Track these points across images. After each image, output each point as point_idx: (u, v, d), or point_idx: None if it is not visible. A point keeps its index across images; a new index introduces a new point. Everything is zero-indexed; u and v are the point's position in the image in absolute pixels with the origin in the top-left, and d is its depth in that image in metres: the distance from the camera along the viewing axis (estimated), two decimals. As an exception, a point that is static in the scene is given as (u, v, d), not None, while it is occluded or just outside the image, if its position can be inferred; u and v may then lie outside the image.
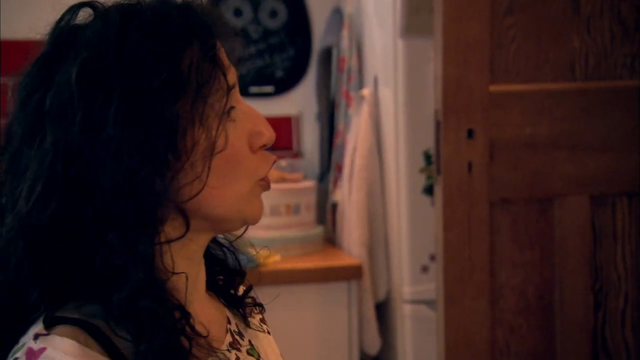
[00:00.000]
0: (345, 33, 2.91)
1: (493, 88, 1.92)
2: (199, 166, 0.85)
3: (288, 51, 3.26)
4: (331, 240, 2.97)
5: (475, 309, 1.92)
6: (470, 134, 1.90)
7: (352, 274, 2.70)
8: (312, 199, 2.92)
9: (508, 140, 1.93)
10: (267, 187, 0.93)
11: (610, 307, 2.00)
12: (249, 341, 1.00)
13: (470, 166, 1.91)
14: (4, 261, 0.84)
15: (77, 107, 0.82)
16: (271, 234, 2.73)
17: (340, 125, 2.97)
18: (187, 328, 0.86)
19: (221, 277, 1.02)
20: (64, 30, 0.87)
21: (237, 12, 3.24)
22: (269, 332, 1.07)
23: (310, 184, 2.95)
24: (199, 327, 0.88)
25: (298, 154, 3.25)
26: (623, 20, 1.97)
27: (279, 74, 3.25)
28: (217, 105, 0.87)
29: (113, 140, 0.81)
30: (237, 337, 0.99)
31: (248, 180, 0.90)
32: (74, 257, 0.83)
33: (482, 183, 1.91)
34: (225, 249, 1.02)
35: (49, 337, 0.81)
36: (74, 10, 0.88)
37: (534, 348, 1.97)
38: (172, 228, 0.87)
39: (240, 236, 1.01)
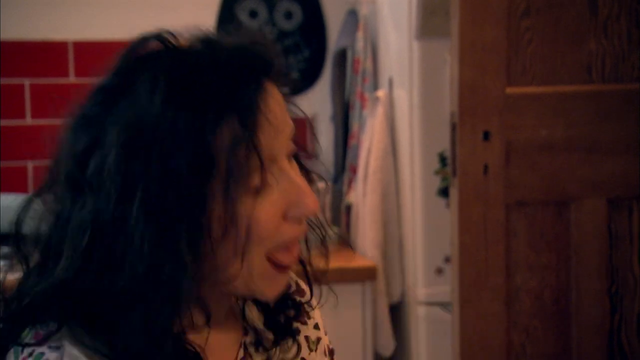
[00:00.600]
0: (360, 35, 2.91)
1: (509, 90, 1.92)
2: (232, 245, 0.83)
3: (303, 52, 3.27)
4: (345, 241, 2.97)
5: (491, 311, 1.92)
6: (487, 136, 1.90)
7: (366, 275, 2.70)
8: (326, 200, 2.92)
9: (524, 142, 1.92)
10: (283, 268, 0.88)
11: (627, 310, 1.99)
12: (267, 354, 0.99)
13: (486, 168, 1.91)
14: (30, 307, 0.84)
15: (114, 182, 0.81)
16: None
17: (354, 126, 2.97)
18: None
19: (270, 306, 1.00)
20: (126, 65, 0.85)
21: (253, 14, 3.24)
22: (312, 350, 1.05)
23: (324, 185, 2.95)
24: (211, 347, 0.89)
25: (312, 155, 3.24)
26: (640, 22, 1.97)
27: (294, 75, 3.26)
28: (247, 185, 0.84)
29: (138, 226, 0.80)
30: (252, 350, 0.97)
31: (260, 254, 0.86)
32: (96, 325, 0.83)
33: (498, 185, 1.91)
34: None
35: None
36: (142, 41, 0.86)
37: (550, 351, 1.97)
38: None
39: (320, 277, 1.02)
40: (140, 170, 0.80)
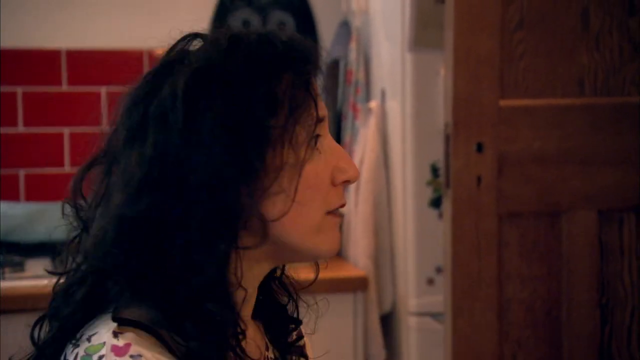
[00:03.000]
0: (353, 46, 2.93)
1: (503, 103, 1.93)
2: (286, 185, 0.89)
3: (295, 63, 3.28)
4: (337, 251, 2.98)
5: (482, 322, 1.93)
6: (480, 148, 1.91)
7: (357, 285, 2.70)
8: (318, 210, 2.93)
9: (517, 154, 1.94)
10: (338, 219, 0.95)
11: (617, 322, 2.01)
12: None
13: (479, 180, 1.92)
14: (97, 247, 0.88)
15: (180, 112, 0.87)
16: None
17: (347, 137, 2.98)
18: (239, 346, 0.88)
19: (272, 315, 1.03)
20: (174, 53, 0.93)
21: (246, 24, 3.25)
22: None
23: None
24: (247, 348, 0.90)
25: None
26: (632, 37, 1.99)
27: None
28: (306, 131, 0.91)
29: (207, 146, 0.86)
30: None
31: (321, 210, 0.92)
32: (156, 253, 0.86)
33: (491, 197, 1.92)
34: (288, 295, 1.04)
35: (128, 335, 0.84)
36: (187, 39, 0.94)
37: (541, 362, 1.98)
38: (250, 241, 0.90)
39: (310, 283, 1.05)
40: (206, 103, 0.87)
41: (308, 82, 0.92)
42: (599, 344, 2.00)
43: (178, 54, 0.93)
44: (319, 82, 0.96)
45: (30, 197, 2.87)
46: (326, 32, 3.23)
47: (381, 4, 2.83)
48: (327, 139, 0.95)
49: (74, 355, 0.84)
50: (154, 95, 0.90)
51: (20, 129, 2.87)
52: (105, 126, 0.95)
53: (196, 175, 0.86)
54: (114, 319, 0.85)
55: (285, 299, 1.04)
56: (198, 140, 0.86)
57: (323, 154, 0.93)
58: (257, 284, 0.96)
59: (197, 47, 0.94)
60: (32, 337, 0.92)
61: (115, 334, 0.84)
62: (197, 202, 0.86)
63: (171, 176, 0.87)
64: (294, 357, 1.04)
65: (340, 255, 2.95)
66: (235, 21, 3.24)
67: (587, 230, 1.98)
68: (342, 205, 0.95)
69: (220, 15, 3.23)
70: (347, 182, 0.95)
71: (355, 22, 2.95)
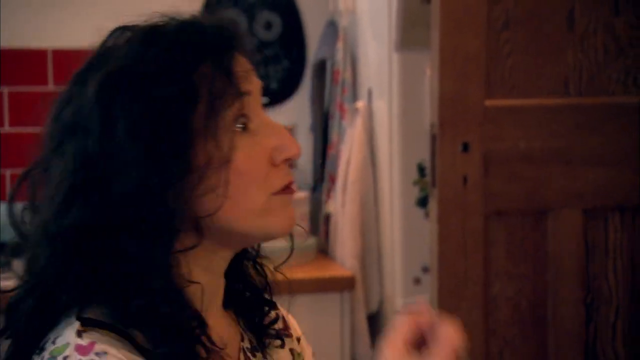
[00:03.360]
0: (340, 46, 2.93)
1: (489, 102, 1.94)
2: (215, 180, 0.86)
3: (282, 63, 3.28)
4: (324, 251, 2.98)
5: (469, 320, 1.93)
6: (466, 147, 1.92)
7: (344, 285, 2.71)
8: (305, 209, 2.93)
9: (503, 154, 1.95)
10: (290, 194, 0.92)
11: (602, 320, 2.02)
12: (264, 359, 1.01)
13: (465, 179, 1.93)
14: (32, 264, 0.88)
15: (95, 120, 0.85)
16: (264, 244, 2.74)
17: (334, 136, 2.99)
18: (204, 337, 0.87)
19: (248, 299, 1.02)
20: (98, 52, 0.91)
21: (233, 24, 3.25)
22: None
23: (303, 194, 2.96)
24: (215, 339, 0.89)
25: (292, 165, 3.26)
26: (617, 36, 2.00)
27: (274, 85, 3.27)
28: (230, 117, 0.88)
29: (125, 151, 0.84)
30: (249, 354, 0.99)
31: (263, 194, 0.90)
32: (95, 264, 0.85)
33: (477, 196, 1.93)
34: (262, 277, 1.03)
35: (92, 333, 0.83)
36: (116, 33, 0.91)
37: (527, 359, 1.99)
38: (190, 239, 0.88)
39: (280, 265, 1.03)
40: (121, 108, 0.85)
41: (229, 67, 0.88)
42: (584, 342, 2.01)
43: (100, 53, 0.90)
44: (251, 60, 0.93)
45: (16, 198, 2.86)
46: (313, 32, 3.24)
47: (368, 3, 2.84)
48: (259, 118, 0.91)
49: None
50: (71, 98, 0.88)
51: (6, 128, 2.87)
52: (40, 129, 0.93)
53: (119, 184, 0.84)
54: (78, 318, 0.84)
55: (262, 281, 1.03)
56: (116, 147, 0.84)
57: (257, 136, 0.90)
58: (221, 273, 0.95)
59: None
60: None
61: (79, 333, 0.83)
62: (124, 211, 0.84)
63: (95, 186, 0.85)
64: (270, 341, 1.03)
65: (327, 254, 2.96)
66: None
67: (573, 229, 1.99)
68: (289, 184, 0.92)
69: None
70: (288, 160, 0.92)
71: (342, 22, 2.96)
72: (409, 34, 2.56)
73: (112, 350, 0.81)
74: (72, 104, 0.88)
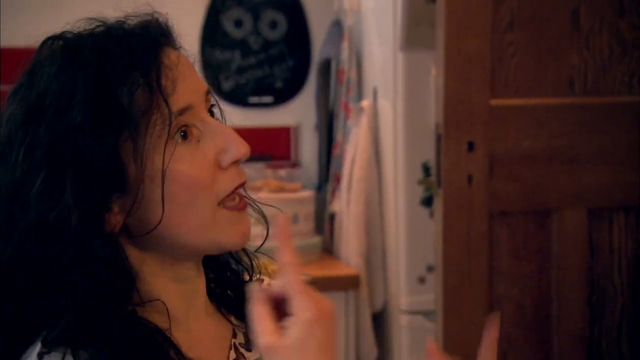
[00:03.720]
0: (345, 45, 2.94)
1: (493, 102, 1.94)
2: (156, 197, 0.84)
3: (287, 62, 3.29)
4: (329, 250, 2.99)
5: (473, 320, 1.94)
6: (471, 147, 1.92)
7: (349, 284, 2.71)
8: (310, 208, 2.94)
9: (507, 153, 1.95)
10: (239, 210, 0.89)
11: (607, 320, 2.02)
12: (257, 358, 0.98)
13: (470, 179, 1.93)
14: None
15: (14, 149, 0.83)
16: (269, 244, 2.74)
17: (339, 136, 2.99)
18: (172, 352, 0.86)
19: (231, 290, 0.99)
20: (29, 67, 0.88)
21: (238, 23, 3.26)
22: None
23: (308, 193, 2.97)
24: (194, 349, 0.88)
25: (296, 164, 3.27)
26: (622, 37, 2.00)
27: (279, 84, 3.28)
28: (160, 133, 0.84)
29: (35, 184, 0.81)
30: (243, 351, 0.97)
31: (208, 204, 0.86)
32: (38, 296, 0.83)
33: (481, 196, 1.93)
34: (242, 265, 1.00)
35: (53, 355, 0.81)
36: (45, 44, 0.88)
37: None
38: (137, 252, 0.87)
39: (259, 247, 1.01)
40: (38, 136, 0.82)
41: (157, 80, 0.84)
42: (589, 342, 2.01)
43: (29, 70, 0.87)
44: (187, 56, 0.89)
45: None
46: (318, 31, 3.24)
47: (373, 3, 2.84)
48: (202, 122, 0.87)
49: None
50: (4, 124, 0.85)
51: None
52: None
53: (31, 217, 0.81)
54: (43, 341, 0.83)
55: (238, 268, 1.01)
56: (27, 178, 0.82)
57: (200, 141, 0.86)
58: (193, 278, 0.92)
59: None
60: None
61: (40, 356, 0.82)
62: (45, 243, 0.82)
63: (12, 219, 0.82)
64: None
65: (332, 253, 2.96)
66: (227, 20, 3.24)
67: (577, 228, 2.00)
68: (239, 186, 0.88)
69: (212, 16, 3.24)
70: (237, 162, 0.88)
71: (347, 22, 2.96)
72: (413, 33, 2.57)
73: None
74: (3, 127, 0.85)
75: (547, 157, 1.97)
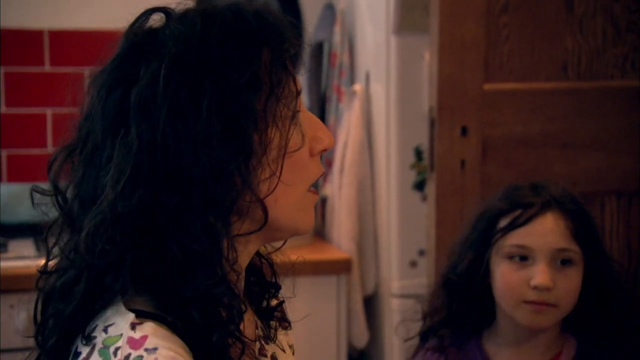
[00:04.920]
0: (337, 29, 2.92)
1: (487, 86, 1.94)
2: (273, 164, 0.89)
3: (280, 45, 3.27)
4: (320, 234, 2.99)
5: (466, 304, 1.94)
6: (464, 131, 1.92)
7: (341, 267, 2.71)
8: (302, 192, 2.93)
9: (501, 138, 1.95)
10: (317, 197, 0.96)
11: (598, 304, 2.03)
12: (272, 354, 1.01)
13: (463, 163, 1.93)
14: (90, 245, 0.86)
15: (164, 99, 0.85)
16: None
17: (331, 119, 2.98)
18: (239, 326, 0.88)
19: (256, 288, 1.03)
20: (139, 32, 0.90)
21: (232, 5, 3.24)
22: (293, 353, 1.08)
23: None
24: (245, 330, 0.91)
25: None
26: (615, 21, 2.00)
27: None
28: (287, 107, 0.90)
29: (196, 134, 0.85)
30: (263, 343, 1.00)
31: (304, 184, 0.93)
32: (155, 245, 0.85)
33: (474, 180, 1.94)
34: (264, 260, 1.03)
35: (146, 327, 0.83)
36: (147, 14, 0.91)
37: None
38: (244, 225, 0.90)
39: (280, 248, 1.03)
40: (190, 89, 0.85)
41: (285, 57, 0.90)
42: (580, 326, 2.02)
43: (146, 35, 0.90)
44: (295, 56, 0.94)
45: (12, 179, 2.85)
46: (310, 14, 3.22)
47: (366, -14, 2.83)
48: (302, 111, 0.94)
49: (90, 347, 0.83)
50: (129, 81, 0.87)
51: (2, 109, 2.86)
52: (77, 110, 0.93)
53: (187, 164, 0.85)
54: (132, 310, 0.84)
55: (261, 265, 1.03)
56: (185, 128, 0.85)
57: (301, 127, 0.92)
58: (246, 263, 0.96)
59: (158, 23, 0.91)
60: (35, 338, 0.90)
61: (133, 326, 0.83)
62: (191, 192, 0.85)
63: (161, 167, 0.85)
64: (275, 323, 1.03)
65: (323, 237, 2.96)
66: (220, 3, 3.22)
67: (570, 213, 2.00)
68: (321, 175, 0.95)
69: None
70: (324, 151, 0.95)
71: (340, 5, 2.95)
72: (406, 17, 2.56)
73: (163, 345, 0.81)
74: (125, 85, 0.87)
75: (540, 142, 1.97)
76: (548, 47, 1.98)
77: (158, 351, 0.81)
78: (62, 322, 0.88)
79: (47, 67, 2.90)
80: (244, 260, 0.94)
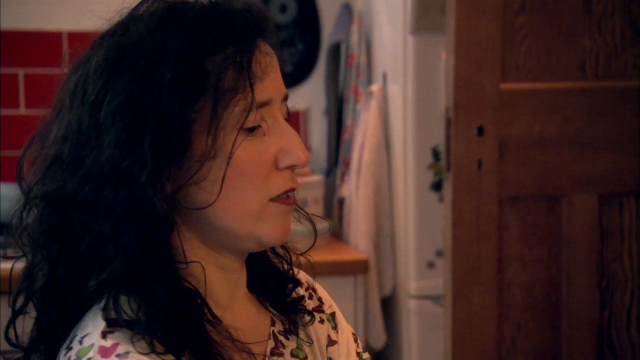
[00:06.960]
0: (354, 29, 2.92)
1: (504, 86, 1.93)
2: (212, 175, 0.85)
3: (297, 46, 3.27)
4: (338, 234, 2.98)
5: (482, 305, 1.93)
6: (481, 131, 1.92)
7: (358, 268, 2.71)
8: (319, 193, 2.93)
9: (518, 138, 1.94)
10: (288, 205, 0.90)
11: (617, 305, 2.01)
12: (293, 350, 0.98)
13: (480, 163, 1.92)
14: (33, 233, 0.89)
15: (91, 88, 0.83)
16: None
17: (348, 120, 2.98)
18: (207, 313, 0.87)
19: (272, 283, 1.00)
20: (126, 17, 0.89)
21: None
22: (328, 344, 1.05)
23: (317, 178, 2.96)
24: (238, 333, 0.89)
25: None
26: (634, 20, 1.98)
27: (288, 68, 3.26)
28: (238, 116, 0.85)
29: (108, 128, 0.82)
30: (282, 338, 0.98)
31: (258, 197, 0.87)
32: (80, 236, 0.84)
33: (491, 180, 1.93)
34: (282, 258, 1.01)
35: (117, 334, 0.82)
36: (147, 1, 0.89)
37: (540, 345, 1.99)
38: (191, 230, 0.88)
39: (306, 252, 1.02)
40: (119, 81, 0.82)
41: (248, 63, 0.85)
42: (599, 327, 2.00)
43: (125, 20, 0.87)
44: (278, 58, 0.90)
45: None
46: (328, 14, 3.22)
47: (383, -13, 2.83)
48: (273, 119, 0.88)
49: (67, 359, 0.83)
50: (83, 66, 0.86)
51: (22, 110, 2.88)
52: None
53: (94, 161, 0.82)
54: (105, 318, 0.84)
55: (280, 263, 1.01)
56: (105, 121, 0.82)
57: (265, 137, 0.87)
58: (236, 269, 0.93)
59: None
60: (7, 338, 0.90)
61: (104, 335, 0.82)
62: (99, 188, 0.83)
63: (77, 160, 0.83)
64: (300, 316, 1.00)
65: (340, 238, 2.96)
66: (235, 3, 3.23)
67: (588, 213, 1.99)
68: (290, 190, 0.89)
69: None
70: (293, 167, 0.89)
71: (357, 5, 2.95)
72: (424, 17, 2.55)
73: (134, 350, 0.81)
74: (81, 69, 0.86)
75: (557, 142, 1.96)
76: (565, 47, 1.96)
77: (130, 355, 0.80)
78: (40, 321, 0.88)
79: (66, 69, 2.92)
80: (225, 266, 0.91)
